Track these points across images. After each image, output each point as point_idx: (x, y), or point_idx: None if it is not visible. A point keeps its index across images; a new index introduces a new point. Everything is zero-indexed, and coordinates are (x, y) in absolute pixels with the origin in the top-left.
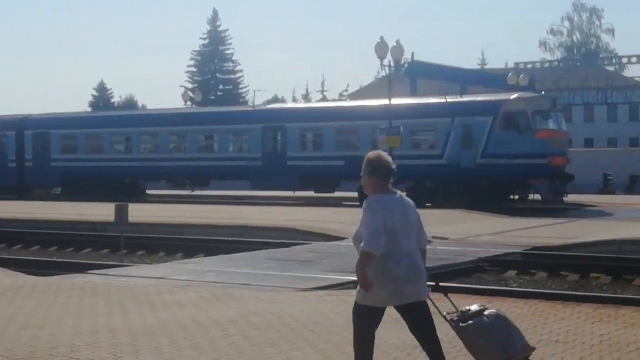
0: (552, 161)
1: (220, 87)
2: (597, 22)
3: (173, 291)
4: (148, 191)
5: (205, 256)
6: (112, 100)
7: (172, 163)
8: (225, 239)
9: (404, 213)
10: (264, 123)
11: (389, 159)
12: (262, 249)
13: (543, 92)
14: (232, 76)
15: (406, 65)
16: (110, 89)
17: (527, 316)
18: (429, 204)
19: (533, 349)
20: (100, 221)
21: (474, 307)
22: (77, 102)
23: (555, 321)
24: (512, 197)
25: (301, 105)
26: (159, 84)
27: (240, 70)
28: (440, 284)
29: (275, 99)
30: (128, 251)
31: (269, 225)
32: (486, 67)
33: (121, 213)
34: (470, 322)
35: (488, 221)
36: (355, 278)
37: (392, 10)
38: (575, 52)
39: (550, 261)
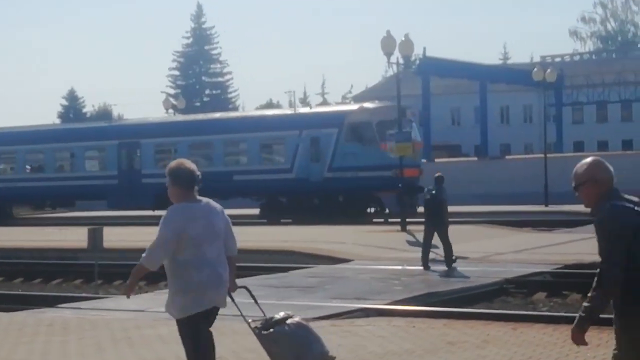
0: (399, 173)
1: (207, 92)
2: (634, 8)
3: (154, 325)
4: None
5: None
6: (85, 110)
7: (32, 184)
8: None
9: (208, 220)
10: (120, 139)
11: (192, 166)
12: (256, 274)
13: (385, 102)
14: (220, 79)
15: (417, 62)
16: (82, 97)
17: (557, 344)
18: (289, 220)
19: (332, 358)
20: (71, 247)
21: (279, 315)
22: (45, 113)
23: (590, 348)
24: (369, 210)
25: (157, 119)
26: (138, 91)
27: (229, 73)
28: (252, 292)
29: (269, 105)
30: (103, 281)
31: (259, 247)
32: (509, 62)
33: (95, 238)
34: (271, 330)
35: (510, 237)
36: (361, 306)
37: (401, 1)
38: (609, 42)
39: (583, 281)
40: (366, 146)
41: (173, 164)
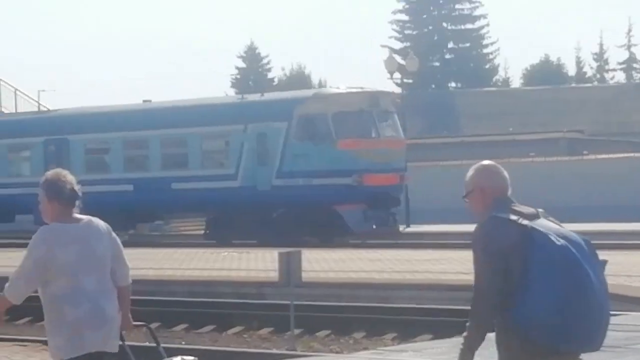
0: (363, 180)
1: (451, 45)
2: None
3: None
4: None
5: (433, 338)
6: (270, 75)
7: None
8: (451, 307)
9: (86, 245)
10: (47, 135)
11: (72, 178)
12: None
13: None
14: (469, 26)
15: None
16: (267, 57)
17: None
18: (254, 241)
19: None
20: (254, 281)
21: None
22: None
23: None
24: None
25: (91, 109)
26: (347, 47)
27: (484, 16)
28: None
29: (543, 68)
30: (304, 330)
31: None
32: None
33: (289, 267)
34: None
35: None
36: None
37: None
38: None
39: None
40: (319, 145)
41: (50, 174)
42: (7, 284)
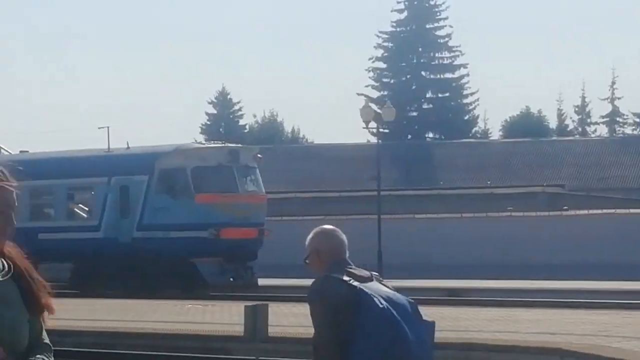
0: (220, 234)
1: (429, 95)
2: None
3: None
4: None
5: None
6: (242, 122)
7: None
8: None
9: None
10: None
11: None
12: None
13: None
14: (449, 75)
15: None
16: (238, 103)
17: None
18: (110, 292)
19: None
20: (220, 335)
21: None
22: (188, 123)
23: None
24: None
25: None
26: (322, 95)
27: (464, 66)
28: None
29: (524, 117)
30: None
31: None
32: None
33: (254, 320)
34: None
35: None
36: None
37: None
38: None
39: None
40: (177, 199)
41: None
42: None
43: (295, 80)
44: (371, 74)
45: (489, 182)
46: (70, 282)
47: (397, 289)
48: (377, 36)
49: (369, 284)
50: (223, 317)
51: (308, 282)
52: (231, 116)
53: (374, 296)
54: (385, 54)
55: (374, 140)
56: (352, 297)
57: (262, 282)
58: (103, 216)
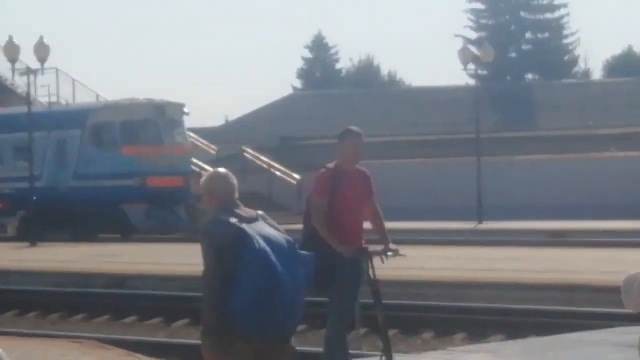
0: (146, 182)
1: (528, 35)
2: None
3: None
4: None
5: (506, 339)
6: (339, 66)
7: None
8: (525, 307)
9: None
10: None
11: None
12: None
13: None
14: (548, 15)
15: None
16: (335, 47)
17: None
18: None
19: None
20: None
21: None
22: (283, 70)
23: None
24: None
25: None
26: (417, 37)
27: (564, 5)
28: None
29: (623, 58)
30: (370, 330)
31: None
32: None
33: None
34: None
35: None
36: None
37: None
38: None
39: None
40: (107, 151)
41: None
42: None
43: (391, 23)
44: (469, 15)
45: (590, 123)
46: (18, 232)
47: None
48: None
49: (254, 225)
50: None
51: (412, 225)
52: (328, 60)
53: (254, 236)
54: None
55: (472, 82)
56: (235, 236)
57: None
58: (44, 167)
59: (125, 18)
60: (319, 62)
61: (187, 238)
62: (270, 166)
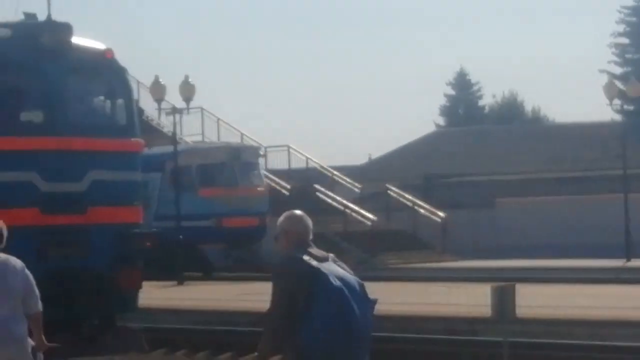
0: (221, 223)
1: None
2: None
3: None
4: None
5: None
6: (481, 102)
7: None
8: None
9: (2, 279)
10: None
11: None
12: None
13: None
14: None
15: None
16: (477, 83)
17: None
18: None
19: None
20: (465, 316)
21: None
22: (424, 105)
23: None
24: None
25: None
26: (558, 71)
27: None
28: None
29: None
30: None
31: None
32: None
33: (502, 301)
34: None
35: None
36: None
37: None
38: None
39: None
40: (185, 193)
41: None
42: None
43: (534, 58)
44: (613, 49)
45: None
46: None
47: None
48: (619, 11)
49: (325, 264)
50: (468, 299)
51: (557, 262)
52: (470, 97)
53: (329, 274)
54: (628, 29)
55: (618, 117)
56: (310, 274)
57: (507, 263)
58: None
59: (265, 56)
60: (462, 98)
61: None
62: (414, 203)
